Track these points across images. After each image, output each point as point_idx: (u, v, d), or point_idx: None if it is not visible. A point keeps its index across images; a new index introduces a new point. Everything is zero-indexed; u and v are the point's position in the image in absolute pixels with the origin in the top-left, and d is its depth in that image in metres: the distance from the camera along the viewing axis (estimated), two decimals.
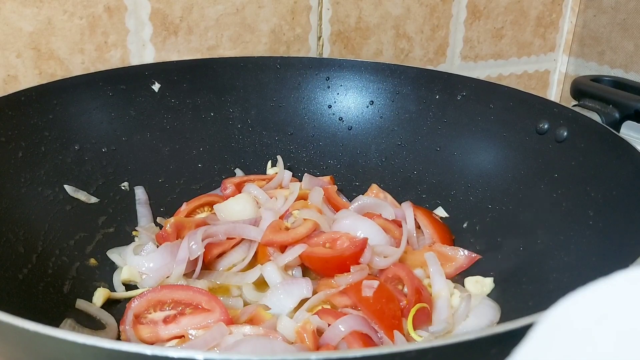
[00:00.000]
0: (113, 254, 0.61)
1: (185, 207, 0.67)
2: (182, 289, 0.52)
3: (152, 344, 0.49)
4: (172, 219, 0.62)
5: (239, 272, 0.58)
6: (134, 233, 0.65)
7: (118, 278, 0.58)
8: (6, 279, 0.49)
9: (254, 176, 0.74)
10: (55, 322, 0.49)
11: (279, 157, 0.75)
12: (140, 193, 0.68)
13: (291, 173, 0.73)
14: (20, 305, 0.48)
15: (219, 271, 0.59)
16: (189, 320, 0.49)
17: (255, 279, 0.57)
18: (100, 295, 0.55)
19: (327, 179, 0.74)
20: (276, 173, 0.73)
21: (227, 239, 0.61)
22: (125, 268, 0.58)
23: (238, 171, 0.75)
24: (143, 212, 0.67)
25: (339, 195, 0.72)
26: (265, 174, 0.76)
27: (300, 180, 0.72)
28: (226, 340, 0.45)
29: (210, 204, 0.68)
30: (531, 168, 0.63)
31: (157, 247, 0.60)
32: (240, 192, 0.69)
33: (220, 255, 0.60)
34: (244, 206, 0.65)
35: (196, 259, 0.56)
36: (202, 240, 0.57)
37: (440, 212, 0.70)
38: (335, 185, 0.73)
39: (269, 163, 0.77)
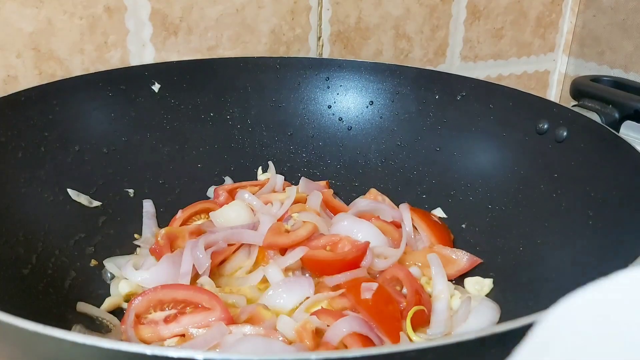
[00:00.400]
0: (110, 264, 0.59)
1: (181, 215, 0.67)
2: (182, 288, 0.52)
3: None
4: (162, 231, 0.61)
5: (241, 275, 0.58)
6: (135, 235, 0.65)
7: (116, 288, 0.57)
8: (6, 279, 0.49)
9: (245, 182, 0.73)
10: (55, 322, 0.48)
11: (270, 163, 0.75)
12: (148, 206, 0.67)
13: (283, 177, 0.72)
14: (20, 305, 0.48)
15: (223, 277, 0.59)
16: (189, 319, 0.49)
17: (259, 281, 0.57)
18: (109, 302, 0.55)
19: (323, 183, 0.74)
20: (268, 179, 0.73)
21: (227, 245, 0.60)
22: (126, 282, 0.57)
23: (227, 179, 0.74)
24: (149, 223, 0.66)
25: (336, 199, 0.72)
26: (256, 179, 0.75)
27: (295, 184, 0.72)
28: (226, 340, 0.45)
29: (206, 211, 0.68)
30: (531, 168, 0.63)
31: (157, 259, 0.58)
32: (233, 199, 0.69)
33: (222, 262, 0.60)
34: (238, 213, 0.65)
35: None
36: (206, 250, 0.57)
37: (439, 212, 0.70)
38: (331, 189, 0.73)
39: (260, 169, 0.76)
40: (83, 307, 0.53)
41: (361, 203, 0.70)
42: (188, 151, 0.73)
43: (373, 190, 0.73)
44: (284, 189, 0.71)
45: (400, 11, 0.93)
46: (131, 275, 0.56)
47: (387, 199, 0.72)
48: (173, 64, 0.74)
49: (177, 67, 0.73)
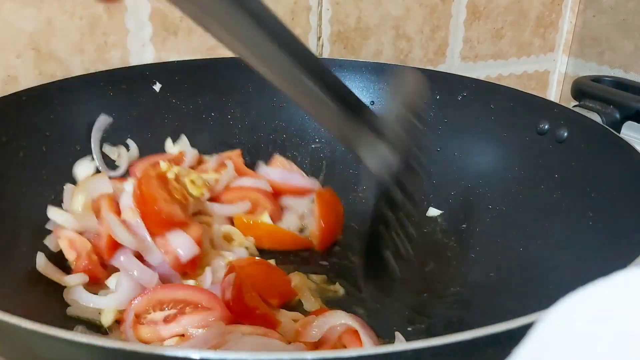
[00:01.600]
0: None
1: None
2: (182, 288, 0.52)
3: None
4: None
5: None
6: None
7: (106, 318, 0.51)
8: (6, 278, 0.49)
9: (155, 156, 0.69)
10: (55, 322, 0.48)
11: (183, 136, 0.73)
12: None
13: (196, 150, 0.71)
14: (20, 305, 0.48)
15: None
16: (189, 319, 0.49)
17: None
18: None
19: (236, 151, 0.74)
20: (180, 152, 0.70)
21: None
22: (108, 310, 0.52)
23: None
24: None
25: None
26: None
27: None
28: (225, 339, 0.45)
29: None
30: (531, 168, 0.63)
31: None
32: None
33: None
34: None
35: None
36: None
37: (433, 211, 0.70)
38: (242, 159, 0.73)
39: (169, 139, 0.72)
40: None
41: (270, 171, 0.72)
42: None
43: (277, 157, 0.75)
44: (198, 163, 0.70)
45: (400, 11, 0.93)
46: (99, 304, 0.52)
47: (294, 166, 0.75)
48: (174, 64, 0.74)
49: (178, 67, 0.73)
